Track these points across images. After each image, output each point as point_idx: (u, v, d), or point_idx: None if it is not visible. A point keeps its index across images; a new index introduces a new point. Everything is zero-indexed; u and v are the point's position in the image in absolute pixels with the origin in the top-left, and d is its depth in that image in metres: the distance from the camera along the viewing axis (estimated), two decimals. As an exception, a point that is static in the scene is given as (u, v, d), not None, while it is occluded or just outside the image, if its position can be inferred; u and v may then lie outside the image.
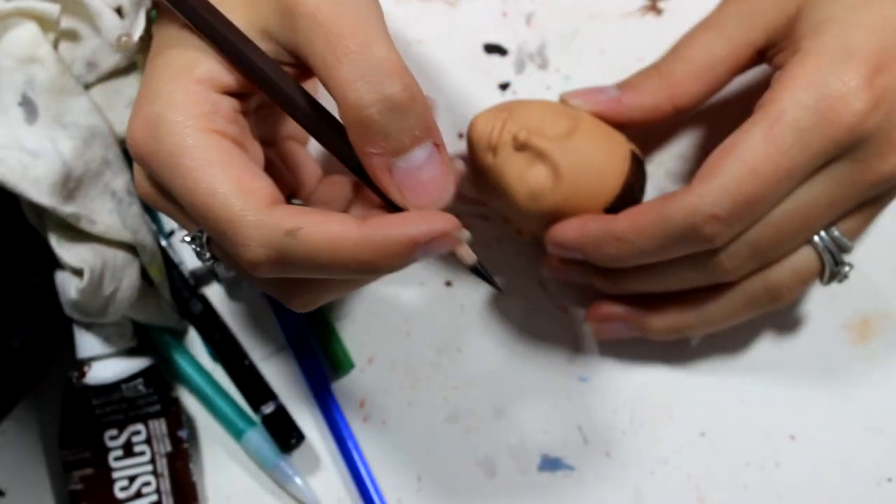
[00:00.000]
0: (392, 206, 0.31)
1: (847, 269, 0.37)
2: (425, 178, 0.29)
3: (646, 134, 0.43)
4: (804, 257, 0.37)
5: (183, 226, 0.33)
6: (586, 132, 0.37)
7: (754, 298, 0.38)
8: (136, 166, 0.33)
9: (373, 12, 0.30)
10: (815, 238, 0.36)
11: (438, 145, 0.30)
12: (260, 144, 0.33)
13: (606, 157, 0.37)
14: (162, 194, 0.32)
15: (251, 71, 0.31)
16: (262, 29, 0.31)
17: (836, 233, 0.36)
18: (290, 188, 0.38)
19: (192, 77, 0.31)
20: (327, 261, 0.29)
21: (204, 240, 0.32)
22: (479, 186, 0.39)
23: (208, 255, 0.33)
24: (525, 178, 0.37)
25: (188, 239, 0.33)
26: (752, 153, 0.33)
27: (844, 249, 0.36)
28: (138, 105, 0.31)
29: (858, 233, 0.37)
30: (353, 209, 0.35)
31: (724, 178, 0.34)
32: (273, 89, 0.31)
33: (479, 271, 0.32)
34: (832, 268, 0.37)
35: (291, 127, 0.39)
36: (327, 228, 0.28)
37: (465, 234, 0.30)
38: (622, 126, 0.39)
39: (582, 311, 0.43)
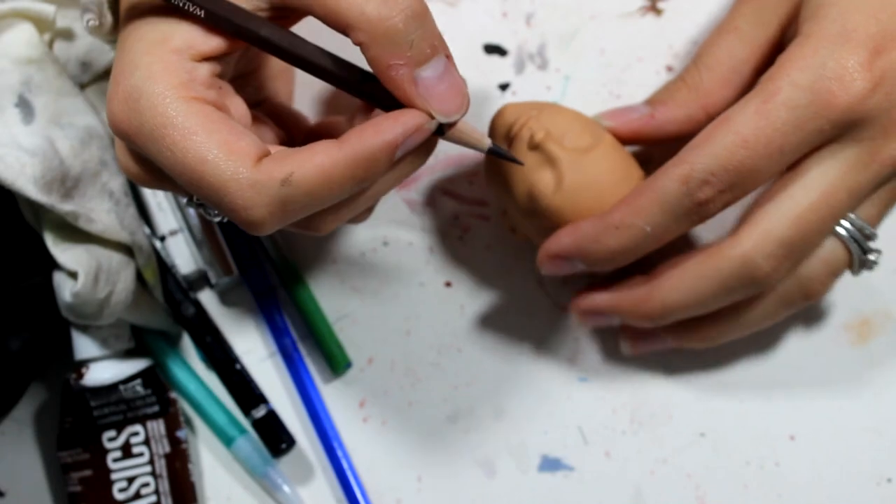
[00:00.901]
0: None
1: (875, 256, 0.37)
2: (446, 87, 0.31)
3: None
4: (831, 248, 0.37)
5: (180, 194, 0.33)
6: (603, 154, 0.37)
7: (788, 297, 0.38)
8: (117, 143, 0.33)
9: None
10: (839, 228, 0.36)
11: (449, 57, 0.31)
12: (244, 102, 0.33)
13: (614, 183, 0.37)
14: (148, 170, 0.32)
15: (237, 30, 0.31)
16: None
17: (857, 220, 0.36)
18: (280, 141, 0.38)
19: (167, 48, 0.31)
20: (326, 192, 0.30)
21: None
22: (486, 172, 0.39)
23: (216, 212, 0.33)
24: (528, 177, 0.37)
25: (194, 203, 0.33)
26: (743, 125, 0.34)
27: (869, 236, 0.36)
28: (115, 80, 0.31)
29: (879, 218, 0.37)
30: None
31: (714, 146, 0.34)
32: (263, 40, 0.31)
33: (496, 152, 0.33)
34: (860, 256, 0.37)
35: (273, 89, 0.40)
36: (315, 162, 0.30)
37: (434, 122, 0.31)
38: (656, 142, 0.39)
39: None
